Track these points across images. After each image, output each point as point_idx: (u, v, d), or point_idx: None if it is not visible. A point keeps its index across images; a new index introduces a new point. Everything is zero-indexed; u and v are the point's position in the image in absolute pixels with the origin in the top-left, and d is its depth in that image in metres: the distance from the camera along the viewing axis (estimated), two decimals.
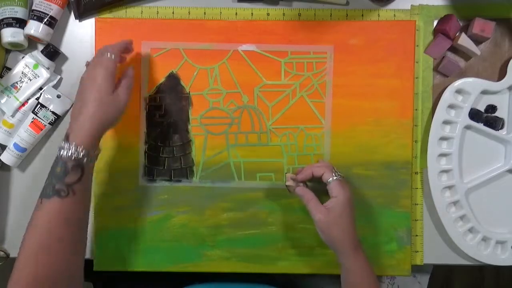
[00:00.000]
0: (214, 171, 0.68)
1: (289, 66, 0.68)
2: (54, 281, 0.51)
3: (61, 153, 0.53)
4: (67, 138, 0.54)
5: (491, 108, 0.67)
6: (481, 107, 0.68)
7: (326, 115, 0.68)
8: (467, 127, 0.68)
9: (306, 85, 0.68)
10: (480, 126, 0.67)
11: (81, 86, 0.58)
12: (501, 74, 0.68)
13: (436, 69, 0.68)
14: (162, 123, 0.68)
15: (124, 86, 0.59)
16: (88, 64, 0.61)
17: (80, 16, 0.69)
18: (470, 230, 0.67)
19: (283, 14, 0.68)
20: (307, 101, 0.68)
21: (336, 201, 0.59)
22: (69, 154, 0.52)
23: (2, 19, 0.65)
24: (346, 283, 0.60)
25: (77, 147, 0.53)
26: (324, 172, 0.61)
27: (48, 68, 0.67)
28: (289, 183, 0.63)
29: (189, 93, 0.68)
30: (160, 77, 0.68)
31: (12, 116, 0.68)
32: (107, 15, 0.68)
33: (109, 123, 0.57)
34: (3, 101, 0.68)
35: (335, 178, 0.60)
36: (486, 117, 0.67)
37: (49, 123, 0.67)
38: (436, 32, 0.68)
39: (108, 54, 0.58)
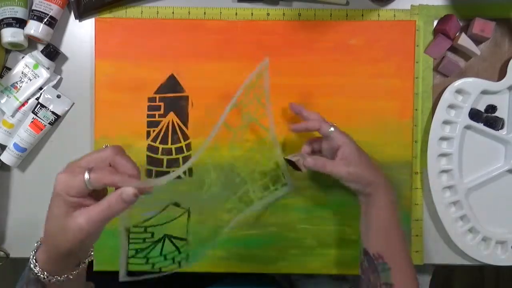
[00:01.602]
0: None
1: (240, 109, 0.68)
2: None
3: (29, 259, 0.45)
4: (36, 247, 0.46)
5: (491, 108, 0.67)
6: (481, 107, 0.68)
7: (301, 113, 0.63)
8: (467, 127, 0.68)
9: (248, 106, 0.67)
10: (480, 126, 0.67)
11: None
12: (501, 74, 0.68)
13: (436, 69, 0.68)
14: (161, 123, 0.68)
15: (86, 214, 0.41)
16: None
17: (80, 16, 0.69)
18: (470, 230, 0.67)
19: (283, 14, 0.68)
20: (252, 119, 0.68)
21: (346, 147, 0.58)
22: (30, 266, 0.45)
23: (2, 19, 0.65)
24: (375, 222, 0.57)
25: (36, 266, 0.44)
26: (321, 126, 0.59)
27: (48, 68, 0.67)
28: (295, 158, 0.60)
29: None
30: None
31: (12, 116, 0.68)
32: (107, 15, 0.68)
33: (63, 248, 0.42)
34: (3, 101, 0.68)
35: (333, 128, 0.59)
36: (486, 117, 0.67)
37: (49, 123, 0.67)
38: (436, 32, 0.68)
39: (88, 171, 0.41)
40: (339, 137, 0.59)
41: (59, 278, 0.45)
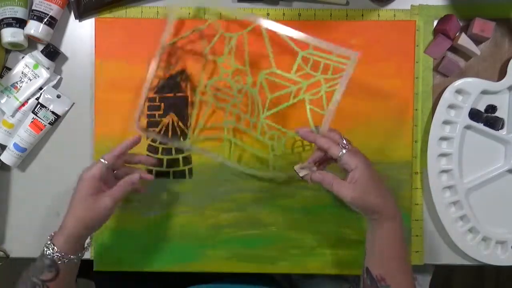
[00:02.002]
0: (206, 139, 0.67)
1: (305, 61, 0.65)
2: None
3: (43, 249, 0.55)
4: (52, 236, 0.55)
5: (491, 108, 0.67)
6: (481, 107, 0.68)
7: (323, 127, 0.60)
8: (467, 127, 0.68)
9: (312, 88, 0.65)
10: (480, 126, 0.67)
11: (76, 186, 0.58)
12: (501, 74, 0.68)
13: (436, 69, 0.68)
14: (161, 123, 0.68)
15: (111, 194, 0.56)
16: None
17: (80, 16, 0.69)
18: (470, 230, 0.67)
19: (283, 14, 0.68)
20: (307, 106, 0.65)
21: (357, 171, 0.54)
22: (47, 253, 0.54)
23: (2, 19, 0.65)
24: (378, 247, 0.56)
25: (53, 248, 0.54)
26: (329, 147, 0.56)
27: (48, 68, 0.67)
28: (303, 173, 0.57)
29: (206, 55, 0.67)
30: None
31: (12, 116, 0.68)
32: (107, 15, 0.68)
33: (90, 227, 0.56)
34: (3, 101, 0.68)
35: (344, 151, 0.55)
36: (486, 117, 0.67)
37: (49, 123, 0.67)
38: (436, 32, 0.68)
39: (103, 158, 0.58)
40: (351, 161, 0.54)
41: (72, 256, 0.55)
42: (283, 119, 0.67)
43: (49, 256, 0.54)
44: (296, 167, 0.58)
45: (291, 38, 0.63)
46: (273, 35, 0.64)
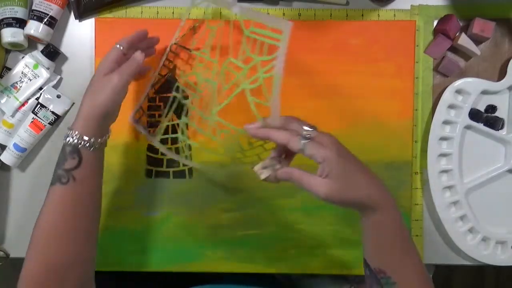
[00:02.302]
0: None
1: (249, 42, 0.55)
2: (66, 268, 0.52)
3: (64, 139, 0.54)
4: (71, 125, 0.55)
5: (491, 108, 0.67)
6: (481, 107, 0.68)
7: (271, 119, 0.49)
8: (467, 127, 0.68)
9: (251, 75, 0.53)
10: (480, 126, 0.67)
11: None
12: (501, 74, 0.68)
13: (436, 69, 0.68)
14: (161, 123, 0.68)
15: (120, 70, 0.56)
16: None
17: (80, 16, 0.69)
18: (470, 230, 0.67)
19: (283, 14, 0.68)
20: (249, 98, 0.52)
21: (327, 163, 0.45)
22: (67, 140, 0.53)
23: (2, 19, 0.65)
24: (377, 241, 0.49)
25: (72, 133, 0.53)
26: (287, 140, 0.47)
27: (48, 68, 0.67)
28: (265, 174, 0.48)
29: (191, 51, 0.66)
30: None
31: (12, 116, 0.68)
32: (107, 15, 0.68)
33: (102, 106, 0.54)
34: (3, 101, 0.68)
35: (305, 142, 0.46)
36: (486, 117, 0.67)
37: (49, 123, 0.67)
38: (436, 32, 0.68)
39: (118, 44, 0.58)
40: (316, 152, 0.45)
41: (92, 139, 0.53)
42: (230, 115, 0.59)
43: (69, 142, 0.53)
44: (256, 168, 0.49)
45: (246, 21, 0.56)
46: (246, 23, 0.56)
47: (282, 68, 0.47)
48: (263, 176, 0.48)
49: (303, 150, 0.46)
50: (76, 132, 0.53)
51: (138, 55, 0.57)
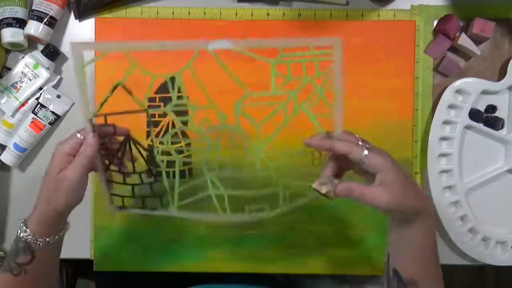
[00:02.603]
0: (193, 202, 0.59)
1: (281, 69, 0.53)
2: None
3: (17, 231, 0.51)
4: (25, 219, 0.52)
5: (491, 108, 0.67)
6: (481, 107, 0.68)
7: (337, 130, 0.52)
8: (467, 127, 0.68)
9: (306, 95, 0.54)
10: (480, 126, 0.67)
11: None
12: (501, 74, 0.68)
13: (436, 69, 0.68)
14: (161, 123, 0.68)
15: (74, 163, 0.50)
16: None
17: (80, 16, 0.69)
18: (470, 230, 0.67)
19: (283, 14, 0.68)
20: (309, 116, 0.54)
21: (387, 172, 0.47)
22: (20, 236, 0.51)
23: (2, 19, 0.65)
24: (412, 249, 0.50)
25: (26, 231, 0.50)
26: (350, 150, 0.48)
27: (48, 68, 0.67)
28: (325, 189, 0.49)
29: (147, 110, 0.56)
30: (105, 91, 0.54)
31: (12, 116, 0.68)
32: (107, 15, 0.68)
33: (57, 209, 0.50)
34: (3, 101, 0.68)
35: (366, 152, 0.48)
36: (486, 117, 0.67)
37: (49, 123, 0.67)
38: (436, 32, 0.68)
39: (79, 133, 0.52)
40: (376, 161, 0.48)
41: (47, 239, 0.51)
42: (285, 142, 0.57)
43: (22, 239, 0.50)
44: (315, 185, 0.50)
45: (252, 50, 0.53)
46: (226, 55, 0.51)
47: (342, 82, 0.51)
48: (324, 191, 0.49)
49: (364, 159, 0.48)
50: (29, 232, 0.50)
51: (90, 140, 0.51)
